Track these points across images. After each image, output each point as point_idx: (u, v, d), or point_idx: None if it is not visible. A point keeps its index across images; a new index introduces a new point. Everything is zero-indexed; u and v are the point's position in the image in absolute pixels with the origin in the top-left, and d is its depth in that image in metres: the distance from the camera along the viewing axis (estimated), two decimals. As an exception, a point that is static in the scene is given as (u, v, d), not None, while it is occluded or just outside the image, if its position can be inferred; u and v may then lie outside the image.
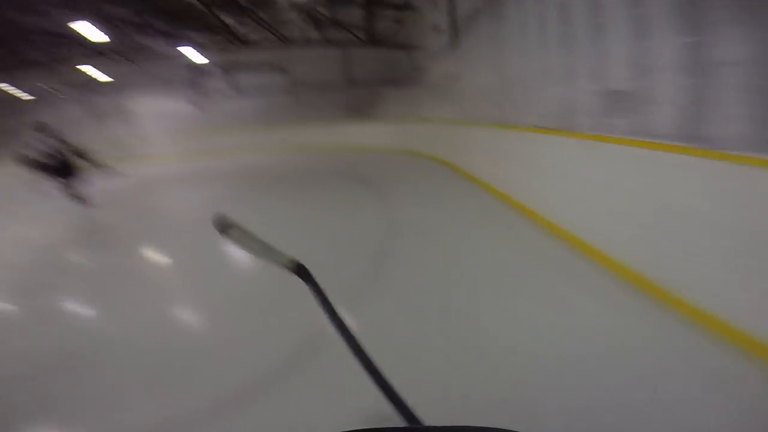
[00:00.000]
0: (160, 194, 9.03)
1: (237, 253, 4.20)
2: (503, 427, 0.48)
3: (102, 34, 8.43)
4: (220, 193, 8.14)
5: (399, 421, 0.55)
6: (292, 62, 13.58)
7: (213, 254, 4.31)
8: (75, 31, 8.19)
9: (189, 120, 14.40)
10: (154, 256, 4.96)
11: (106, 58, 12.40)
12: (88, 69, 13.01)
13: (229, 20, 10.67)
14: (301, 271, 0.68)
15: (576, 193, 3.47)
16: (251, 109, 14.20)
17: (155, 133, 14.41)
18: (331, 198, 6.75)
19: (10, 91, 14.09)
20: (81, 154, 6.32)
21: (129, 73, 13.80)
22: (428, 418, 0.54)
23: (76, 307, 3.66)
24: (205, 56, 12.41)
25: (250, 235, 0.69)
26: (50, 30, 9.58)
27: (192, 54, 11.95)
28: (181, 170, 11.79)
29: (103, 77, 13.64)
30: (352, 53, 13.07)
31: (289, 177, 9.26)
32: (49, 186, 6.51)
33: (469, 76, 6.20)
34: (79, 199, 6.35)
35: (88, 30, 8.20)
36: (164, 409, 2.10)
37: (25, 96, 14.31)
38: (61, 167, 6.15)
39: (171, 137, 14.36)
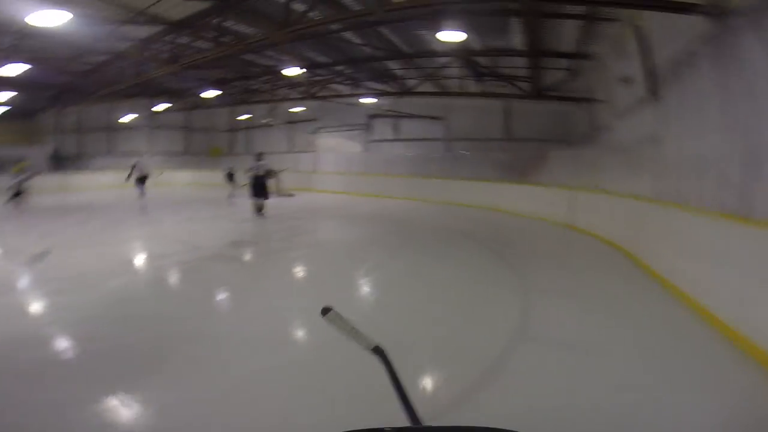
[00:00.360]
0: (318, 221, 9.93)
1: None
2: (503, 428, 0.51)
3: (302, 74, 10.26)
4: (364, 234, 8.14)
5: None
6: (451, 112, 13.81)
7: (337, 287, 4.43)
8: (285, 73, 9.97)
9: (357, 160, 16.04)
10: (291, 269, 5.58)
11: (304, 97, 14.93)
12: (292, 106, 16.06)
13: (397, 70, 11.62)
14: (380, 354, 0.80)
15: None
16: (410, 156, 14.81)
17: (328, 167, 16.54)
18: (465, 269, 5.64)
19: (240, 119, 18.50)
20: (273, 177, 8.50)
21: (319, 112, 16.43)
22: None
23: (212, 289, 4.58)
24: (376, 103, 13.74)
25: (343, 320, 0.87)
26: (268, 70, 12.03)
27: (367, 100, 13.38)
28: (340, 203, 12.90)
29: (301, 114, 16.63)
30: (515, 106, 12.51)
31: (428, 232, 8.71)
32: (243, 198, 9.02)
33: (677, 139, 4.79)
34: (260, 212, 8.40)
35: (294, 72, 9.93)
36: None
37: (247, 121, 18.52)
38: (258, 186, 8.41)
39: (340, 172, 16.10)
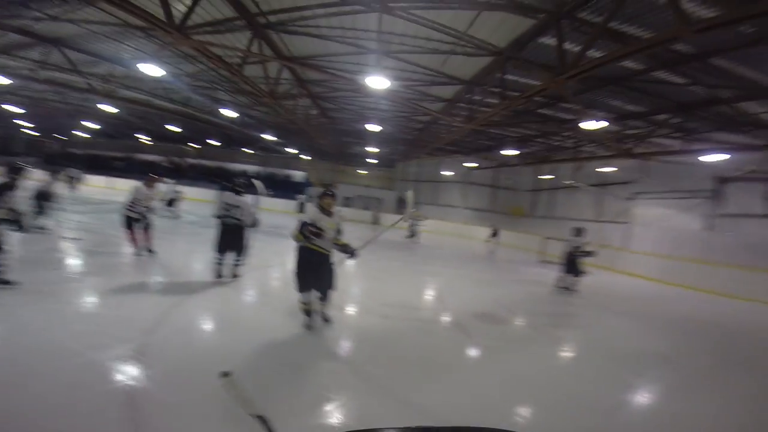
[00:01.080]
0: (606, 315, 7.60)
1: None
2: (503, 428, 0.56)
3: (609, 128, 9.39)
4: (670, 351, 5.47)
5: None
6: None
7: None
8: (584, 127, 9.54)
9: (693, 240, 12.43)
10: (523, 376, 4.15)
11: (616, 155, 13.49)
12: (600, 165, 14.92)
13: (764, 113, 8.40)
14: (264, 422, 0.97)
15: None
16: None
17: (645, 245, 13.82)
18: None
19: (543, 178, 19.02)
20: (589, 256, 8.22)
21: (637, 174, 14.32)
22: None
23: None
24: (729, 161, 10.38)
25: (239, 387, 1.06)
26: (568, 124, 11.86)
27: (712, 157, 10.37)
28: (653, 296, 10.12)
29: (612, 175, 15.12)
30: None
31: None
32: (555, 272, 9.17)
33: None
34: (564, 289, 8.62)
35: (594, 125, 9.31)
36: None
37: (550, 181, 18.72)
38: (570, 263, 8.27)
39: (661, 254, 12.93)
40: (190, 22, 6.90)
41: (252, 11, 7.26)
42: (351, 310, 5.52)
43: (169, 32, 6.69)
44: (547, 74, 7.36)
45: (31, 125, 27.14)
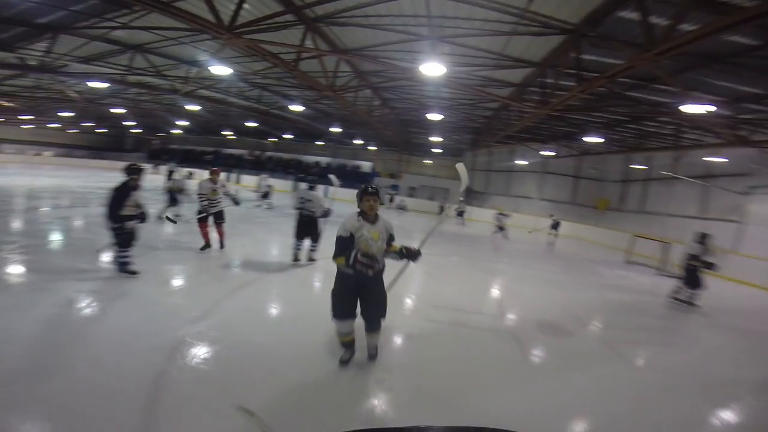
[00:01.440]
0: (707, 331, 6.25)
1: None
2: (503, 428, 0.55)
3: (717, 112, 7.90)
4: None
5: None
6: None
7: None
8: (685, 110, 8.08)
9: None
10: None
11: (728, 143, 11.44)
12: (707, 154, 12.81)
13: None
14: None
15: None
16: None
17: (764, 248, 11.63)
18: None
19: (635, 168, 16.90)
20: (706, 266, 6.96)
21: (756, 164, 12.06)
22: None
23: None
24: None
25: (260, 420, 1.13)
26: (665, 108, 10.22)
27: None
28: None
29: (722, 166, 12.92)
30: None
31: None
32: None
33: None
34: (684, 302, 7.24)
35: (699, 109, 7.82)
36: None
37: (643, 172, 16.58)
38: (691, 272, 7.09)
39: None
40: (241, 20, 7.02)
41: (297, 4, 7.15)
42: (395, 308, 5.08)
43: (220, 33, 6.85)
44: (632, 52, 6.29)
45: (135, 124, 30.52)
